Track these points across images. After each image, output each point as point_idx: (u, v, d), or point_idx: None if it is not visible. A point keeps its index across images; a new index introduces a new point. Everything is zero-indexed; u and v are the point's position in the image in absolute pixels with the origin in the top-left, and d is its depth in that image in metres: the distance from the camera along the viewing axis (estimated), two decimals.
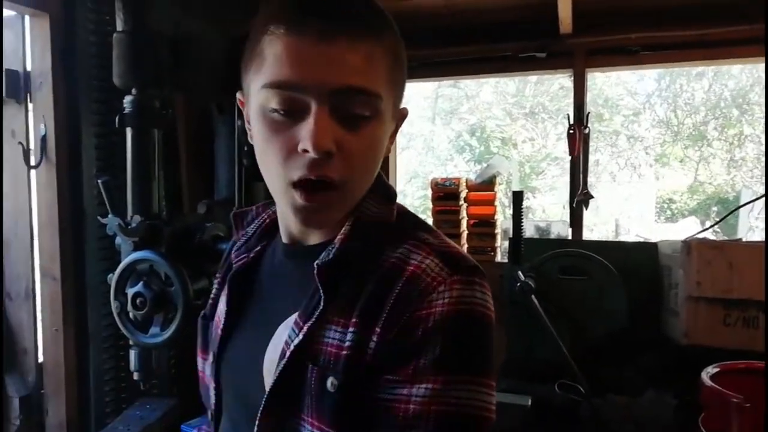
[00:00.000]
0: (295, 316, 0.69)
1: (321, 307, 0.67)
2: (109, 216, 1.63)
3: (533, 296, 2.03)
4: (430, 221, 2.37)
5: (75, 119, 1.82)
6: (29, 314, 1.88)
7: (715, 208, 8.82)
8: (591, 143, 2.57)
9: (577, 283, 2.13)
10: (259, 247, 0.82)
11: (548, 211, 8.77)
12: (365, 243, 0.69)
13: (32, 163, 1.80)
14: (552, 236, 2.76)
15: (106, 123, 1.84)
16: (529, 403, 1.86)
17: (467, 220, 2.80)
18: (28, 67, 1.82)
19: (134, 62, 1.62)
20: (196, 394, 0.90)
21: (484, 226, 2.78)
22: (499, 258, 2.80)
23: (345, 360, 0.64)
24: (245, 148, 1.83)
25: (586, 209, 2.58)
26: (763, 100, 8.35)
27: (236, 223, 0.87)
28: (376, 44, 0.65)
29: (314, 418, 0.65)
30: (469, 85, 8.73)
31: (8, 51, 1.78)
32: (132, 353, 1.71)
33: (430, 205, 2.85)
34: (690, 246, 1.95)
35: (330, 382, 0.64)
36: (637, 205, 9.24)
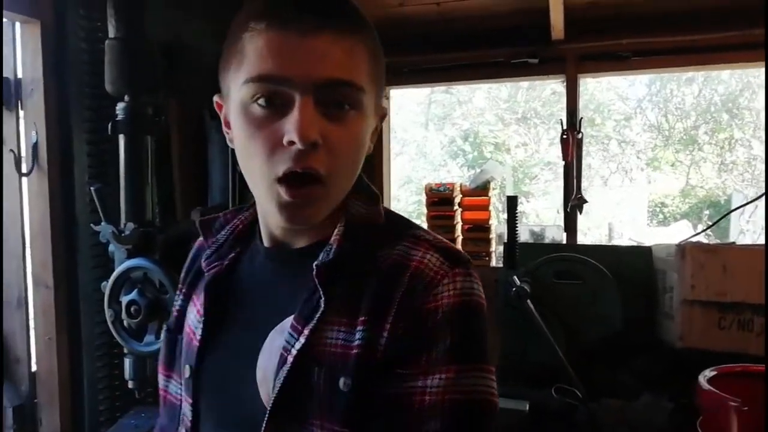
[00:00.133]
0: (290, 320, 0.68)
1: (322, 309, 0.67)
2: (102, 223, 1.62)
3: (528, 301, 2.03)
4: (425, 226, 2.36)
5: (66, 126, 1.81)
6: (22, 323, 1.86)
7: (706, 212, 8.89)
8: (583, 148, 2.58)
9: (571, 288, 2.13)
10: (233, 254, 0.80)
11: (541, 215, 8.81)
12: (357, 244, 0.70)
13: (24, 170, 1.78)
14: (546, 240, 2.77)
15: (98, 130, 1.82)
16: (527, 408, 1.86)
17: (462, 225, 2.81)
18: (19, 74, 1.80)
19: (127, 69, 1.61)
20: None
21: (478, 231, 2.79)
22: (494, 263, 2.80)
23: (355, 359, 0.64)
24: None
25: (581, 214, 2.59)
26: (753, 105, 8.42)
27: (204, 231, 0.83)
28: (358, 40, 0.66)
29: (324, 420, 0.64)
30: (461, 90, 8.77)
31: None
32: (126, 361, 1.69)
33: (425, 210, 2.86)
34: (684, 250, 1.95)
35: (342, 381, 0.64)
36: (629, 209, 9.29)
